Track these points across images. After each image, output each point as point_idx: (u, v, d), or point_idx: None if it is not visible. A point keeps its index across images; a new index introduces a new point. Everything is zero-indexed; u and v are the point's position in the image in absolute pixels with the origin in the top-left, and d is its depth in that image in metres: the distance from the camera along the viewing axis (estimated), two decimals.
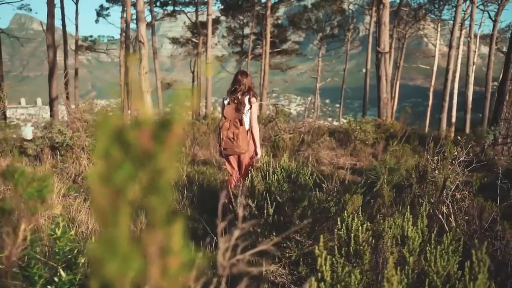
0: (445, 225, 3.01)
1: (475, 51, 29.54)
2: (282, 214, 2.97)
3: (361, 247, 1.77)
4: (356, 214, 2.09)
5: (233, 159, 4.58)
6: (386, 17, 17.00)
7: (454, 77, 25.71)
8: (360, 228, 1.80)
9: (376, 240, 2.07)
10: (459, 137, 3.87)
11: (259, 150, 4.60)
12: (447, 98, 24.24)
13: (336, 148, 9.69)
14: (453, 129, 26.06)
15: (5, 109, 22.16)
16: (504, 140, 8.08)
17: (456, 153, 3.00)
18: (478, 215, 2.58)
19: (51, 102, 20.93)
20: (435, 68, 31.57)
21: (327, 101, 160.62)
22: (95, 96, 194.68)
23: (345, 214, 2.03)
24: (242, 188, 4.41)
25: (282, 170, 3.90)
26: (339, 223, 2.00)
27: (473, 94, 30.63)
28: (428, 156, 2.99)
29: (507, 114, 8.08)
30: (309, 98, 38.37)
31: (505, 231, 1.87)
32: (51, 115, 19.93)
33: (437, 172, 2.86)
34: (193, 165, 6.91)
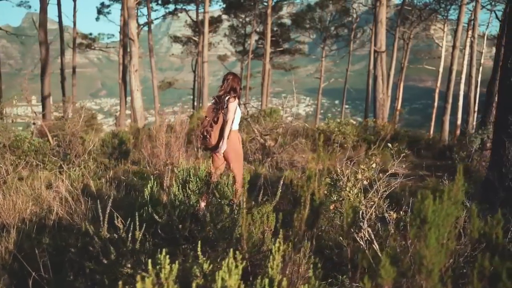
0: (367, 253, 2.41)
1: (481, 52, 28.59)
2: (160, 237, 2.41)
3: None
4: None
5: (216, 158, 4.63)
6: (383, 15, 16.33)
7: (460, 78, 24.81)
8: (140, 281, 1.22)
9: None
10: (389, 145, 3.27)
11: (222, 148, 4.48)
12: (450, 100, 23.39)
13: (316, 151, 9.08)
14: (458, 131, 25.19)
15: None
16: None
17: (373, 164, 2.42)
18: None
19: (43, 100, 20.66)
20: (441, 69, 30.60)
21: (336, 102, 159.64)
22: (105, 95, 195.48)
23: (160, 256, 1.45)
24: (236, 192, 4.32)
25: (197, 178, 3.33)
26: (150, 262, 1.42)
27: (481, 96, 29.57)
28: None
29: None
30: (320, 99, 37.89)
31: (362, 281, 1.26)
32: (43, 114, 19.63)
33: (347, 188, 2.28)
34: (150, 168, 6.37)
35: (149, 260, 1.41)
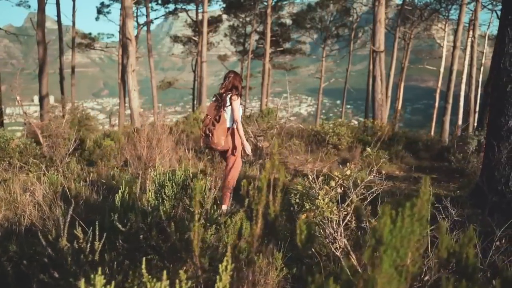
0: (344, 264, 2.28)
1: (483, 52, 28.36)
2: (124, 247, 2.27)
3: None
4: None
5: (225, 157, 4.68)
6: (381, 15, 16.16)
7: (461, 78, 24.60)
8: None
9: None
10: (368, 149, 3.09)
11: (247, 147, 4.62)
12: (451, 100, 23.17)
13: (311, 152, 8.93)
14: (458, 132, 24.94)
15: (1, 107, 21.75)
16: None
17: (348, 171, 2.26)
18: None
19: (41, 100, 20.58)
20: (442, 70, 30.36)
21: (338, 102, 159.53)
22: (107, 94, 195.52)
23: (96, 276, 1.31)
24: (223, 189, 4.45)
25: (173, 183, 3.19)
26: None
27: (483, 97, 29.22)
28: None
29: None
30: (320, 99, 37.90)
31: None
32: (41, 113, 19.54)
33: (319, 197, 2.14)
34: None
35: (83, 280, 1.27)
